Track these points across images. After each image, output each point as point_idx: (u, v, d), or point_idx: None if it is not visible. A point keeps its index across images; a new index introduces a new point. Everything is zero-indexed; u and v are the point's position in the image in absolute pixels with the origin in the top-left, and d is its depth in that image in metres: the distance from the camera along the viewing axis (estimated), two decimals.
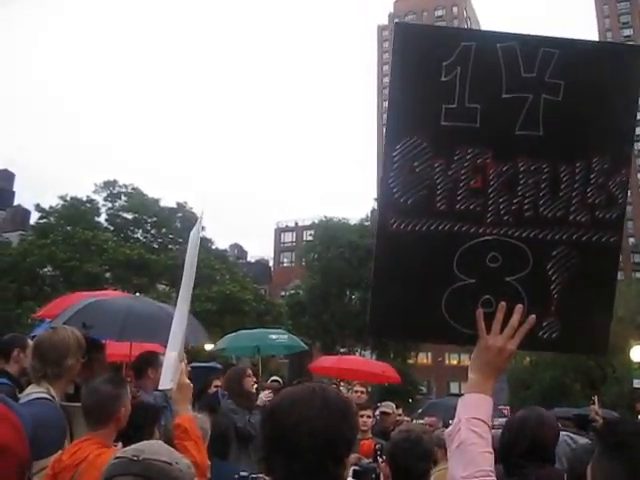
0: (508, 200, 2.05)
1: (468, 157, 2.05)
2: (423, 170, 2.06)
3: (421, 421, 11.48)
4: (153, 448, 1.65)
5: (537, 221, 2.05)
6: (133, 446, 1.67)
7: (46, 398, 3.74)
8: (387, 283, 2.10)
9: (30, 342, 5.21)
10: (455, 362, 68.60)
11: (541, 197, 2.05)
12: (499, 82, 2.05)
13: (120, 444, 3.50)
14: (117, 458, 1.63)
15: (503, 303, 2.01)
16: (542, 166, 2.06)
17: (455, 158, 2.06)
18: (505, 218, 2.05)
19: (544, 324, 2.07)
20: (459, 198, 2.05)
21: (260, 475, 3.16)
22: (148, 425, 3.75)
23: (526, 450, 3.41)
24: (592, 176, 2.05)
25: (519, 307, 2.01)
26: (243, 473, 3.19)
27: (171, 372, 3.44)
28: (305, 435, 1.92)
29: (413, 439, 3.60)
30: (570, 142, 2.07)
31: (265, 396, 7.27)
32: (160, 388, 3.64)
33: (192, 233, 4.17)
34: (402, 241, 2.06)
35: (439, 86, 2.05)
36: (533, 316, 2.01)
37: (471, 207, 2.05)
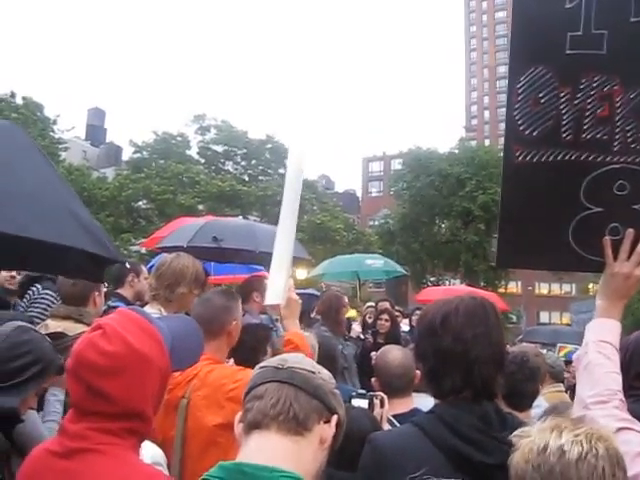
0: (636, 127, 2.05)
1: (595, 85, 2.05)
2: (549, 100, 2.07)
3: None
4: (296, 358, 1.72)
5: None
6: (277, 357, 1.74)
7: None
8: (514, 214, 2.15)
9: (144, 268, 5.52)
10: (545, 291, 66.93)
11: None
12: (627, 6, 2.02)
13: (232, 360, 3.60)
14: (262, 367, 1.70)
15: (631, 230, 2.04)
16: None
17: (581, 87, 2.06)
18: (633, 146, 2.05)
19: None
20: (585, 127, 2.07)
21: (378, 393, 3.29)
22: (261, 344, 3.79)
23: None
24: None
25: None
26: (361, 391, 3.32)
27: (277, 289, 3.46)
28: (484, 348, 2.01)
29: (519, 361, 3.66)
30: None
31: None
32: (265, 303, 3.72)
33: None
34: (528, 172, 2.10)
35: (563, 13, 2.04)
36: None
37: (598, 136, 2.06)
